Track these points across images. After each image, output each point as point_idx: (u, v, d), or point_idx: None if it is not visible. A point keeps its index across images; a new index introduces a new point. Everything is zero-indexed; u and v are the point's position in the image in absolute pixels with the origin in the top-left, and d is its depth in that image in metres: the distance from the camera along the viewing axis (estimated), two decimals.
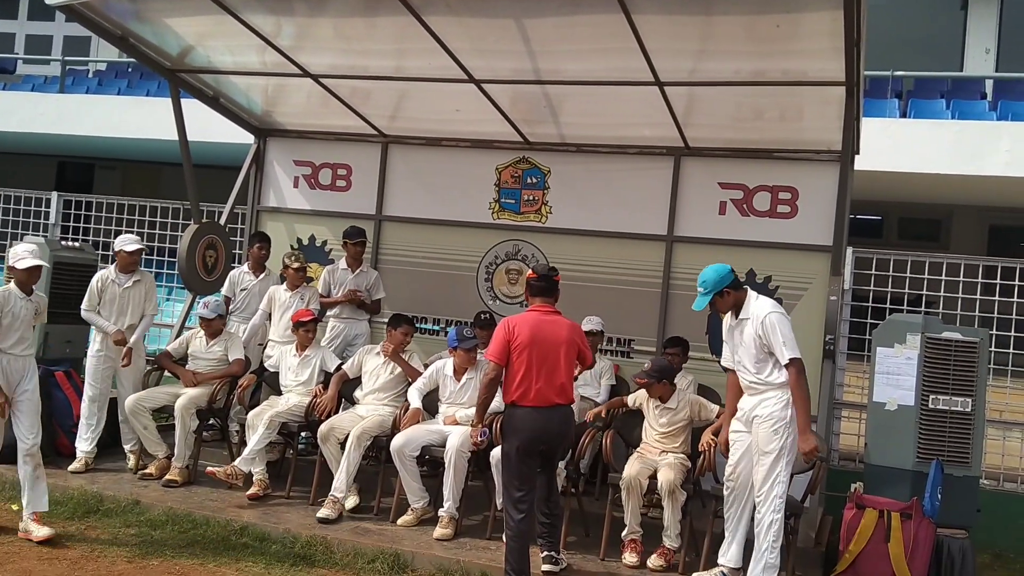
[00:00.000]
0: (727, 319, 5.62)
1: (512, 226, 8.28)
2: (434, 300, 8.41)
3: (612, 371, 7.45)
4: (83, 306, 7.15)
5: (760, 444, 5.29)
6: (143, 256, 7.34)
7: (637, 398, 6.41)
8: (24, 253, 5.90)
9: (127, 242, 7.17)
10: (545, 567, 5.54)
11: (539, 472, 5.46)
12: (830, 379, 6.86)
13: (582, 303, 7.75)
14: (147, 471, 6.95)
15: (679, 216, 7.84)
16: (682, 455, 6.09)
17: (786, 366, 5.24)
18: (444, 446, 6.17)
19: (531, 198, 8.25)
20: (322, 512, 6.23)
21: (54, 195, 10.44)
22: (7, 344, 5.76)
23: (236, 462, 6.65)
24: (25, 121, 14.65)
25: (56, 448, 7.23)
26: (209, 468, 6.61)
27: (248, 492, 6.57)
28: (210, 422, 7.50)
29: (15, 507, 6.09)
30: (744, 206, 7.67)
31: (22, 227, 10.41)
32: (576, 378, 5.85)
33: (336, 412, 6.80)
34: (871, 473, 6.28)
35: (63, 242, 8.01)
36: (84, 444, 7.02)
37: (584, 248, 8.06)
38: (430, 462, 6.45)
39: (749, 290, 5.56)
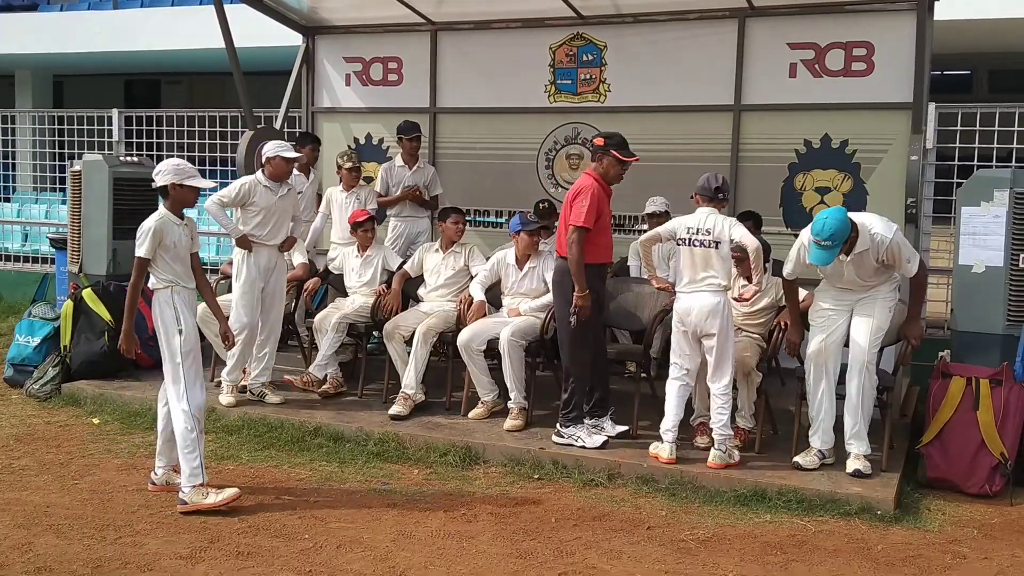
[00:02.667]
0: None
1: (570, 108, 7.96)
2: (494, 192, 8.20)
3: None
4: (213, 198, 6.46)
5: (875, 317, 5.27)
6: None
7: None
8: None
9: (280, 148, 6.52)
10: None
11: None
12: (912, 244, 6.48)
13: (647, 184, 7.47)
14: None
15: (746, 83, 7.40)
16: (757, 335, 5.88)
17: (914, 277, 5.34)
18: None
19: (588, 77, 7.89)
20: (394, 409, 6.25)
21: (114, 112, 10.46)
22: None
23: (310, 368, 6.70)
24: (86, 40, 14.67)
25: (135, 360, 7.36)
26: (286, 377, 6.66)
27: (319, 389, 6.62)
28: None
29: (96, 421, 6.27)
30: (816, 66, 7.18)
31: (87, 147, 10.48)
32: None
33: (401, 310, 6.75)
34: (959, 340, 5.96)
35: (122, 158, 7.99)
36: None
37: (647, 126, 7.70)
38: (499, 355, 6.34)
39: (859, 223, 5.25)
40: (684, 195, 7.23)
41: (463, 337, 6.15)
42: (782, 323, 5.73)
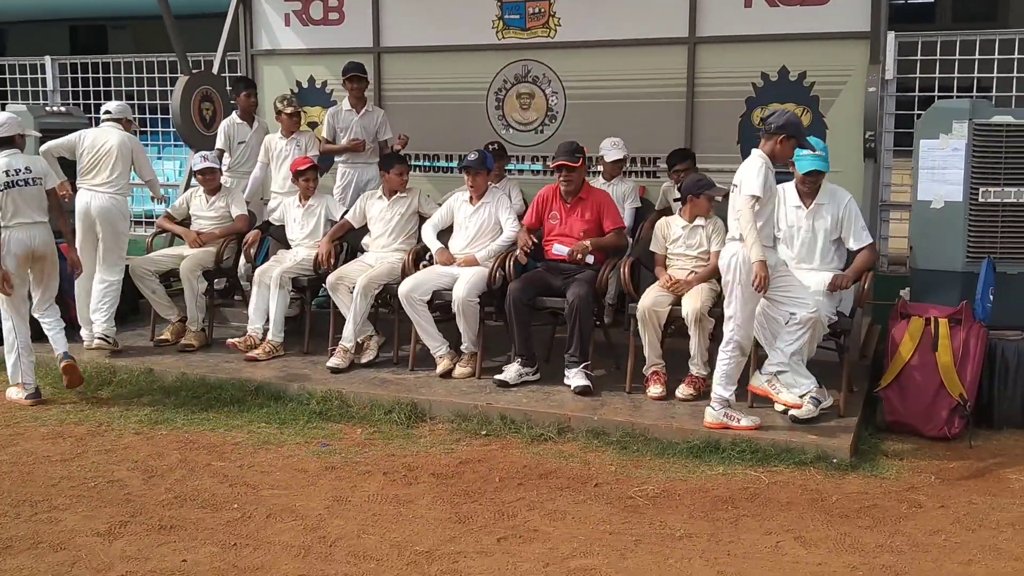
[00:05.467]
0: (788, 200, 5.34)
1: (519, 45, 7.60)
2: (444, 134, 7.85)
3: (637, 193, 6.93)
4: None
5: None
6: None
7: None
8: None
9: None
10: None
11: None
12: (872, 179, 6.28)
13: (601, 122, 7.19)
14: (162, 337, 6.78)
15: (701, 14, 7.06)
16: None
17: (865, 248, 5.27)
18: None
19: (536, 10, 7.52)
20: (331, 361, 6.08)
21: (47, 59, 9.98)
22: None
23: (254, 332, 6.43)
24: None
25: (69, 319, 7.05)
26: (228, 341, 6.40)
27: (248, 355, 6.36)
28: (222, 282, 7.28)
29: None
30: None
31: (21, 96, 10.02)
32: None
33: (343, 262, 6.48)
34: (918, 278, 5.79)
35: (48, 107, 7.59)
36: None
37: (598, 61, 7.38)
38: (443, 307, 6.09)
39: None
40: (639, 134, 7.01)
41: (404, 287, 5.91)
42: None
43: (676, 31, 7.13)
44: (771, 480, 4.58)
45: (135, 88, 9.86)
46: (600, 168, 6.96)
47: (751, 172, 4.92)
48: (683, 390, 5.48)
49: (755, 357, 5.23)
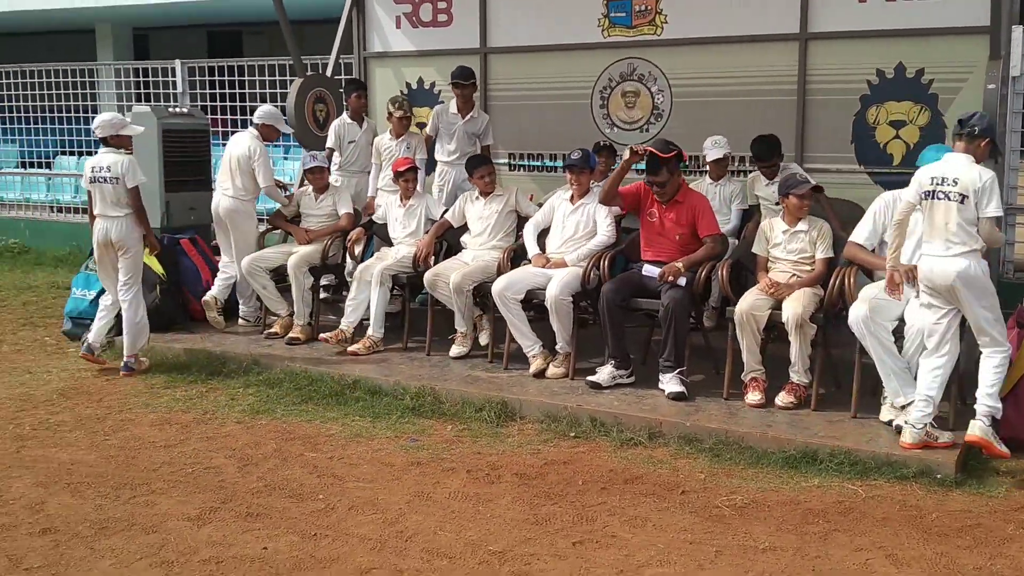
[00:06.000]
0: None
1: (625, 43, 7.53)
2: (548, 134, 7.86)
3: (744, 194, 6.77)
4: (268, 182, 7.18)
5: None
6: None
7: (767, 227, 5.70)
8: (123, 121, 6.48)
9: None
10: None
11: None
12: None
13: (707, 121, 7.08)
14: (272, 330, 6.99)
15: (813, 9, 6.85)
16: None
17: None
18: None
19: (643, 8, 7.43)
20: (453, 350, 6.35)
21: (177, 63, 10.45)
22: None
23: (346, 327, 6.57)
24: None
25: (189, 313, 7.38)
26: (321, 335, 6.57)
27: (349, 349, 6.49)
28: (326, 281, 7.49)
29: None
30: None
31: (154, 98, 10.52)
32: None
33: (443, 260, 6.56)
34: None
35: (171, 108, 7.94)
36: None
37: (705, 59, 7.26)
38: (539, 306, 6.07)
39: None
40: (747, 133, 6.82)
41: (497, 286, 5.91)
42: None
43: (787, 27, 6.94)
44: (868, 494, 4.37)
45: (258, 91, 10.23)
46: (707, 173, 6.84)
47: (994, 190, 4.52)
48: (783, 398, 5.29)
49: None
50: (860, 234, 5.19)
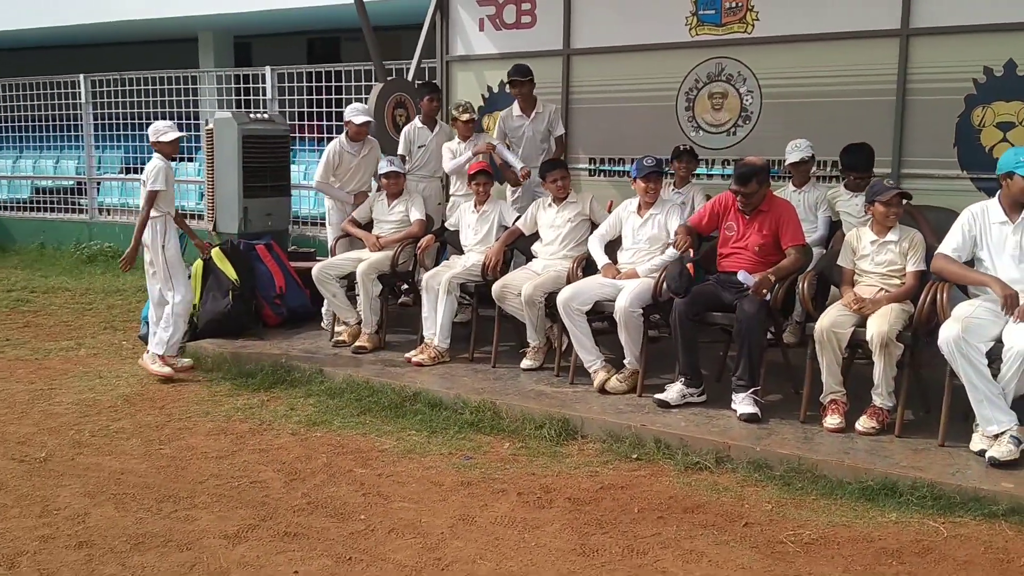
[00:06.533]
0: (994, 217, 4.63)
1: (713, 42, 7.17)
2: (632, 137, 7.55)
3: (829, 201, 6.34)
4: (316, 178, 7.35)
5: None
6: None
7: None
8: (166, 127, 6.36)
9: (355, 112, 7.21)
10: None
11: None
12: None
13: (799, 124, 6.71)
14: (341, 338, 6.91)
15: (915, 3, 6.37)
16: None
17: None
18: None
19: (733, 4, 7.06)
20: (524, 362, 6.19)
21: (267, 69, 10.55)
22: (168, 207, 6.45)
23: (429, 339, 6.41)
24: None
25: (262, 319, 7.37)
26: (406, 356, 6.43)
27: (414, 360, 6.36)
28: (404, 286, 7.37)
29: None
30: None
31: (253, 104, 10.64)
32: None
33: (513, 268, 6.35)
34: None
35: (252, 114, 7.97)
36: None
37: (798, 57, 6.84)
38: (611, 319, 5.79)
39: None
40: (840, 136, 6.39)
41: (563, 295, 5.66)
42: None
43: (887, 22, 6.49)
44: (951, 533, 3.96)
45: (344, 96, 10.20)
46: (790, 178, 6.46)
47: None
48: (864, 423, 4.88)
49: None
50: (948, 245, 4.76)
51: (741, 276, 5.25)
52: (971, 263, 4.78)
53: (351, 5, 12.88)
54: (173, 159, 6.54)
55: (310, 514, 4.25)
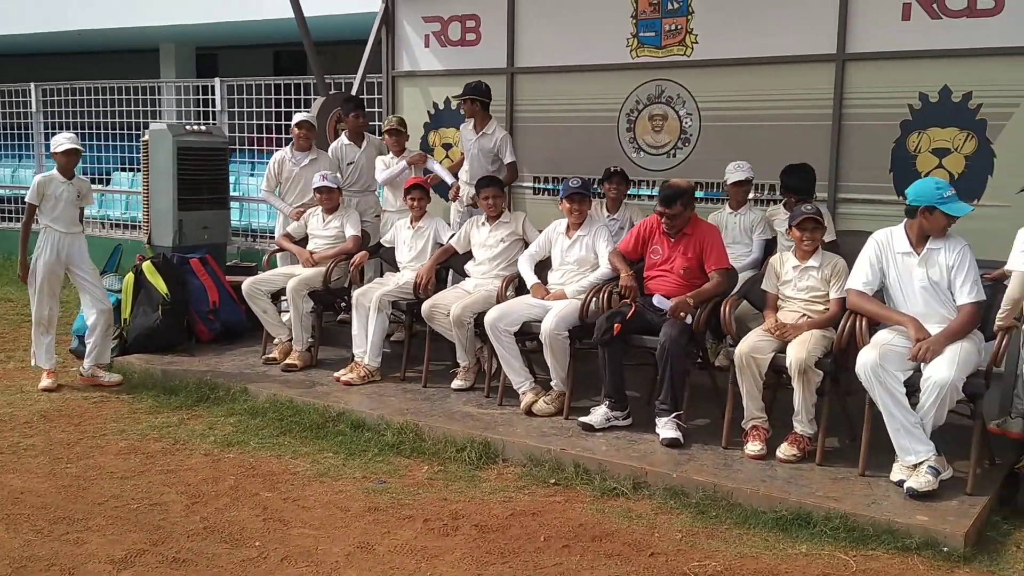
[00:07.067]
0: (898, 247, 4.64)
1: (654, 64, 7.13)
2: (573, 157, 7.48)
3: (766, 224, 6.30)
4: (262, 187, 7.56)
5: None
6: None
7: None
8: (63, 140, 6.27)
9: (297, 118, 7.43)
10: None
11: None
12: None
13: (737, 146, 6.66)
14: (271, 356, 6.78)
15: (851, 28, 6.35)
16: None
17: (967, 305, 4.45)
18: None
19: (673, 27, 7.03)
20: (455, 383, 6.12)
21: (216, 81, 10.43)
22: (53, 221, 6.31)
23: (364, 360, 6.28)
24: (231, 9, 14.74)
25: (195, 334, 7.23)
26: (334, 375, 6.33)
27: (343, 379, 6.26)
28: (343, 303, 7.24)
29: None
30: (934, 6, 6.06)
31: (192, 116, 10.51)
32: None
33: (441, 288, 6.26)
34: None
35: (188, 126, 7.84)
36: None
37: (737, 81, 6.80)
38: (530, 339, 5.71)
39: None
40: (778, 159, 6.34)
41: (490, 316, 5.58)
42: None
43: (823, 47, 6.46)
44: (860, 567, 3.88)
45: (292, 110, 10.08)
46: (726, 199, 6.41)
47: None
48: (784, 450, 4.82)
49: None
50: (858, 279, 4.70)
51: (656, 300, 5.20)
52: (880, 292, 4.74)
53: (317, 17, 12.87)
54: (72, 174, 6.35)
55: (204, 539, 4.11)
